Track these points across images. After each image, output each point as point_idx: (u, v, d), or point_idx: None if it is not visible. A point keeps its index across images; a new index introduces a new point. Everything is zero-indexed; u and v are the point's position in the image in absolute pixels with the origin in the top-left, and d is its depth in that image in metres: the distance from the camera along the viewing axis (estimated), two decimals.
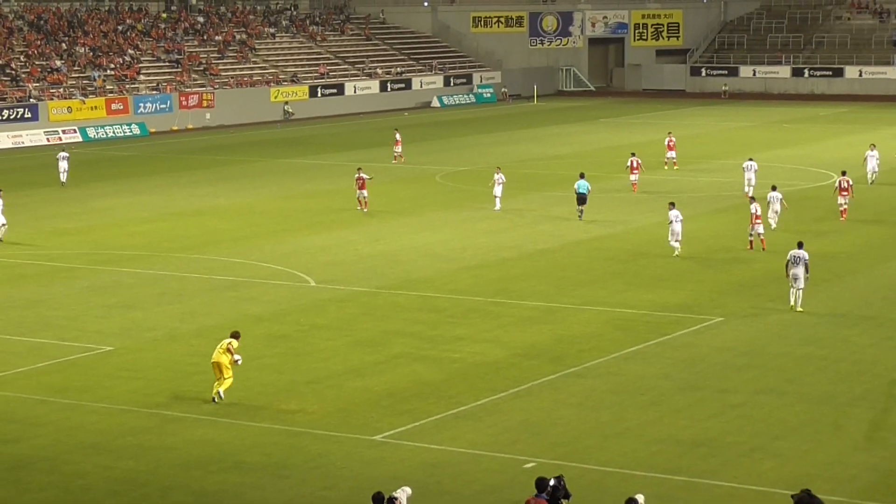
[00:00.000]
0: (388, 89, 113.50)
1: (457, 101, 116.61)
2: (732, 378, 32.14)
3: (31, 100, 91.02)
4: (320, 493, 25.24)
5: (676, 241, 46.42)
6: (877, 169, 63.17)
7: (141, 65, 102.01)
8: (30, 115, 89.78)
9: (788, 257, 38.44)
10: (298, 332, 37.20)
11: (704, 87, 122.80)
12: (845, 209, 53.55)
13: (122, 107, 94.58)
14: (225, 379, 30.29)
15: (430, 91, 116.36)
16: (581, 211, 54.18)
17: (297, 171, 72.94)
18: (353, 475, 25.89)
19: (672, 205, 47.08)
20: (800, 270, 38.10)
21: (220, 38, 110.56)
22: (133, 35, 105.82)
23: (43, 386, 32.11)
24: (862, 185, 59.67)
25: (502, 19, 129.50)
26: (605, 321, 37.86)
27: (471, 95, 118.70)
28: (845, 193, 53.40)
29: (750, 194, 55.47)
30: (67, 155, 69.39)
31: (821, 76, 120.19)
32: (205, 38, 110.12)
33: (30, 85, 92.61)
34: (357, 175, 57.24)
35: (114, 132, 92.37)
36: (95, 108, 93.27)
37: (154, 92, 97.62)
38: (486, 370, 33.06)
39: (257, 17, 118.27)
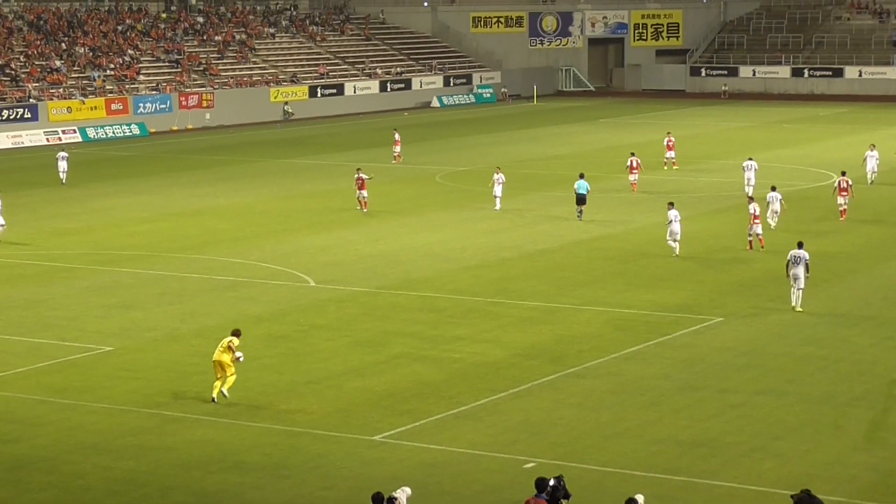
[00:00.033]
0: (388, 89, 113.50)
1: (456, 102, 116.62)
2: (732, 378, 32.14)
3: (31, 100, 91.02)
4: (320, 493, 25.24)
5: (675, 240, 46.43)
6: (876, 169, 63.17)
7: (141, 65, 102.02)
8: (29, 116, 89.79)
9: (789, 257, 38.44)
10: (298, 332, 37.20)
11: (704, 88, 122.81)
12: (845, 209, 53.56)
13: (121, 107, 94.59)
14: (227, 377, 30.31)
15: (430, 91, 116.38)
16: (580, 211, 54.18)
17: (296, 171, 72.94)
18: (353, 475, 25.90)
19: (671, 205, 47.09)
20: (800, 270, 38.10)
21: (219, 38, 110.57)
22: (133, 35, 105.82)
23: (43, 386, 32.11)
24: (861, 186, 59.68)
25: (502, 19, 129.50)
26: (605, 321, 37.86)
27: (470, 95, 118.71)
28: (845, 193, 53.41)
29: (749, 194, 55.48)
30: (67, 155, 69.42)
31: (820, 76, 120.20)
32: (204, 38, 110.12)
33: (29, 85, 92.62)
34: (356, 175, 57.25)
35: (113, 132, 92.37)
36: (95, 108, 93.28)
37: (154, 92, 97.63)
38: (486, 370, 33.06)
39: (257, 18, 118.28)
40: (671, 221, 46.33)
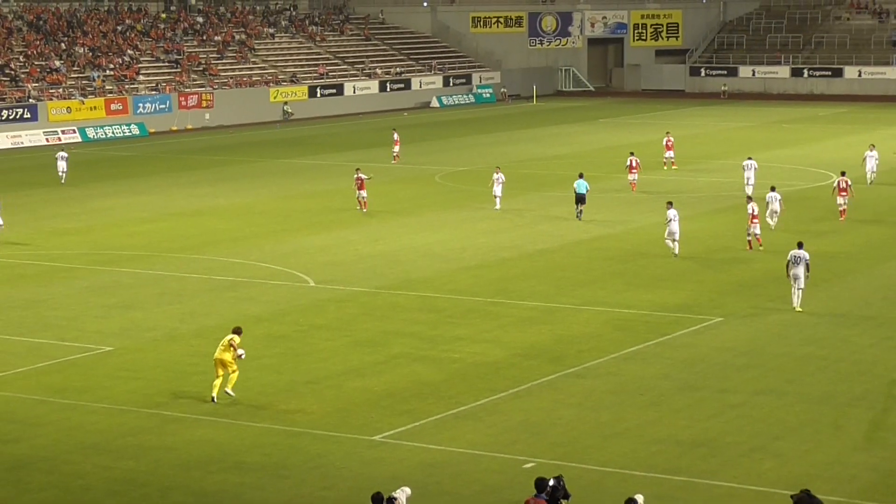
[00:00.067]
0: (388, 89, 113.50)
1: (456, 102, 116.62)
2: (732, 378, 32.14)
3: (31, 100, 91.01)
4: (320, 494, 25.24)
5: (674, 240, 46.45)
6: (875, 169, 63.16)
7: (140, 65, 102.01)
8: (29, 116, 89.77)
9: (789, 257, 38.43)
10: (298, 332, 37.20)
11: (704, 88, 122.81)
12: (844, 209, 53.56)
13: (121, 107, 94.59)
14: (230, 374, 30.35)
15: (430, 91, 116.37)
16: (580, 211, 54.19)
17: (296, 171, 72.94)
18: (353, 475, 25.90)
19: (670, 204, 47.11)
20: (800, 270, 38.10)
21: (219, 38, 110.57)
22: (132, 35, 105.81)
23: (43, 386, 32.11)
24: (861, 186, 59.68)
25: (502, 19, 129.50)
26: (605, 321, 37.86)
27: (470, 96, 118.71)
28: (844, 193, 53.42)
29: (749, 193, 55.47)
30: (66, 155, 69.43)
31: (820, 76, 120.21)
32: (204, 38, 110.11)
33: (29, 85, 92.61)
34: (356, 175, 57.24)
35: (113, 132, 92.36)
36: (95, 108, 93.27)
37: (153, 92, 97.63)
38: (485, 370, 33.06)
39: (256, 18, 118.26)
40: (670, 220, 46.35)
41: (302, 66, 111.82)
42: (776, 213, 50.71)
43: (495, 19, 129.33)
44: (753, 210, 47.38)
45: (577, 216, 54.16)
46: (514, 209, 57.30)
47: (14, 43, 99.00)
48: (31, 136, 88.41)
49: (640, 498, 20.89)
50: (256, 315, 38.77)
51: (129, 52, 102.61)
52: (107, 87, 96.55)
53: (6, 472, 26.36)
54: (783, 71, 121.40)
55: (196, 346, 35.34)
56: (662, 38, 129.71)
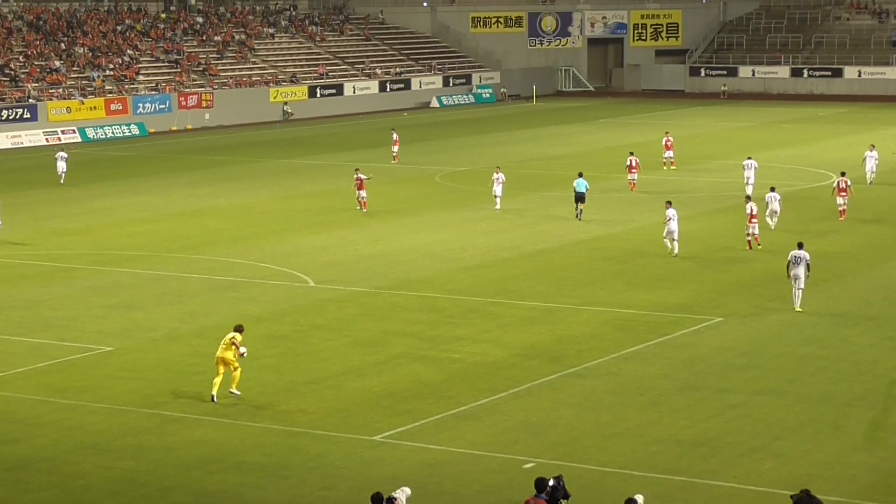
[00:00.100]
0: (388, 89, 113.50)
1: (456, 102, 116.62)
2: (732, 378, 32.14)
3: (31, 100, 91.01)
4: (320, 494, 25.25)
5: (673, 239, 46.46)
6: (875, 169, 63.16)
7: (140, 65, 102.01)
8: (29, 116, 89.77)
9: (789, 258, 38.42)
10: (298, 332, 37.20)
11: (703, 88, 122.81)
12: (844, 209, 53.57)
13: (121, 107, 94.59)
14: (233, 372, 30.38)
15: (430, 91, 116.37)
16: (580, 210, 54.19)
17: (296, 171, 72.94)
18: (353, 475, 25.90)
19: (669, 203, 47.13)
20: (800, 271, 38.10)
21: (219, 38, 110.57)
22: (132, 35, 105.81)
23: (43, 386, 32.11)
24: (861, 186, 59.68)
25: (501, 19, 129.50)
26: (605, 321, 37.87)
27: (470, 96, 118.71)
28: (844, 194, 53.43)
29: (748, 193, 55.46)
30: (66, 155, 69.44)
31: (820, 76, 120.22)
32: (204, 38, 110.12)
33: (29, 85, 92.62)
34: (355, 175, 57.24)
35: (113, 132, 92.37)
36: (94, 108, 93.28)
37: (153, 92, 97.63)
38: (485, 370, 33.07)
39: (256, 18, 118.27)
40: (669, 220, 46.37)
41: (302, 66, 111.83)
42: (776, 213, 50.71)
43: (495, 19, 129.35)
44: (752, 210, 47.39)
45: (577, 216, 54.16)
46: (514, 209, 57.30)
47: (14, 43, 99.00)
48: (31, 136, 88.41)
49: (640, 498, 20.89)
50: (256, 315, 38.76)
51: (129, 52, 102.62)
52: (107, 87, 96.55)
53: (6, 472, 26.37)
54: (783, 71, 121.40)
55: (196, 346, 35.35)
56: (662, 39, 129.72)
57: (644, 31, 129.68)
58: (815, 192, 61.34)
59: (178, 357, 34.69)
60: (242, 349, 30.39)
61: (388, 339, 36.07)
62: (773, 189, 51.63)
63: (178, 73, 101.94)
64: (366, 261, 46.89)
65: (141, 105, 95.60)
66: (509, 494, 24.51)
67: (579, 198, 54.13)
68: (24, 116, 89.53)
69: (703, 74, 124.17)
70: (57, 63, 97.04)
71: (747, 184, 58.56)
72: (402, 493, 21.54)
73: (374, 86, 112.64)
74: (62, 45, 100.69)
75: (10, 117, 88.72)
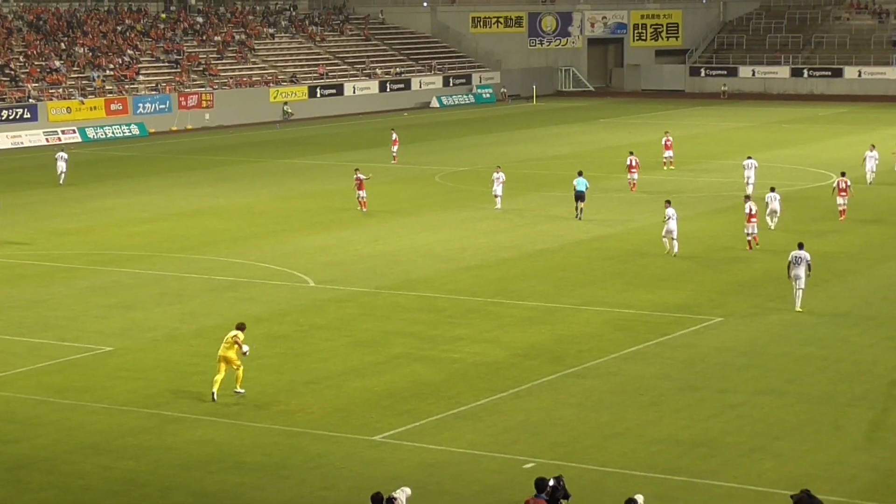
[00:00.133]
0: (388, 90, 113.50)
1: (456, 102, 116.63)
2: (732, 378, 32.14)
3: (31, 100, 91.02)
4: (320, 494, 25.25)
5: (672, 238, 46.47)
6: (875, 169, 63.17)
7: (140, 65, 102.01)
8: (29, 116, 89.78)
9: (790, 258, 38.42)
10: (298, 332, 37.21)
11: (704, 88, 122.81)
12: (844, 209, 53.58)
13: (121, 107, 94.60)
14: (235, 370, 30.38)
15: (430, 91, 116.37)
16: (580, 209, 54.18)
17: (296, 171, 72.94)
18: (353, 475, 25.90)
19: (668, 202, 47.14)
20: (801, 271, 38.10)
21: (219, 38, 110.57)
22: (132, 35, 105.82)
23: (43, 386, 32.11)
24: (861, 186, 59.68)
25: (501, 19, 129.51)
26: (605, 321, 37.86)
27: (470, 96, 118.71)
28: (844, 194, 53.43)
29: (748, 192, 55.47)
30: (66, 155, 69.43)
31: (820, 76, 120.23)
32: (204, 38, 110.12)
33: (29, 85, 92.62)
34: (355, 175, 57.24)
35: (113, 132, 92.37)
36: (94, 108, 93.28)
37: (153, 92, 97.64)
38: (485, 370, 33.06)
39: (256, 18, 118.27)
40: (668, 219, 46.39)
41: (302, 66, 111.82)
42: (776, 213, 50.73)
43: (495, 19, 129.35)
44: (751, 209, 47.41)
45: (577, 216, 54.16)
46: (514, 209, 57.30)
47: (14, 43, 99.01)
48: (31, 136, 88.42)
49: (640, 498, 20.89)
50: (256, 315, 38.75)
51: (129, 52, 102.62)
52: (107, 88, 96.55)
53: (6, 472, 26.36)
54: (783, 71, 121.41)
55: (196, 346, 35.35)
56: (662, 39, 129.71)
57: (644, 31, 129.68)
58: (815, 192, 61.34)
59: (178, 357, 34.69)
60: (245, 347, 30.41)
61: (388, 339, 36.07)
62: (773, 189, 51.64)
63: (178, 73, 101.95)
64: (366, 261, 46.89)
65: (141, 105, 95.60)
66: (509, 494, 24.51)
67: (579, 196, 54.14)
68: (25, 116, 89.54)
69: (703, 74, 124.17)
70: (57, 63, 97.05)
71: (748, 183, 58.59)
72: (402, 493, 21.54)
73: (374, 86, 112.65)
74: (62, 45, 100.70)
75: (11, 117, 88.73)
